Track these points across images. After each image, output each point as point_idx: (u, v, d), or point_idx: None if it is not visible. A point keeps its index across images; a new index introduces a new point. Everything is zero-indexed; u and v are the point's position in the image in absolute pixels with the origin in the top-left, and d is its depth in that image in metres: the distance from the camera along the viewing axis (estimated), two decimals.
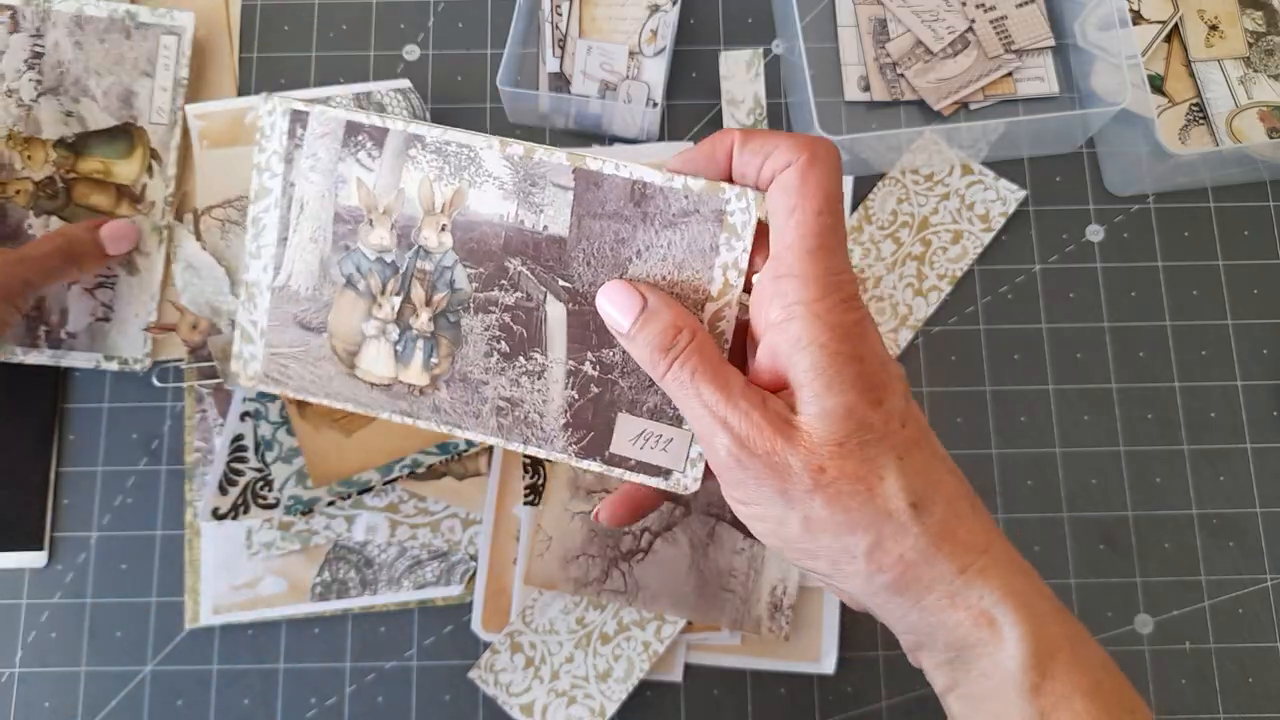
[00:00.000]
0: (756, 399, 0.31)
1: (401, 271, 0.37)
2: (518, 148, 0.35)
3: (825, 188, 0.31)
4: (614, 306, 0.34)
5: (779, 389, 0.32)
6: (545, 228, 0.36)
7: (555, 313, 0.36)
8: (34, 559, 0.56)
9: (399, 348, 0.37)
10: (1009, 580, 0.30)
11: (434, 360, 0.37)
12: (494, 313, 0.37)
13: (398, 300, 0.37)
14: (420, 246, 0.36)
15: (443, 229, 0.36)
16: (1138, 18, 0.66)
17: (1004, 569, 0.31)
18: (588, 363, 0.36)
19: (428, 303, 0.37)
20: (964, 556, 0.30)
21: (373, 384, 0.37)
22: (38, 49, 0.59)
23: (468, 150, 0.35)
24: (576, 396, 0.36)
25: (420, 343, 0.37)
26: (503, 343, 0.36)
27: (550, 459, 0.38)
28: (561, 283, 0.36)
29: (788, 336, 0.31)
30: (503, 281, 0.36)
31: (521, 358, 0.36)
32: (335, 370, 0.37)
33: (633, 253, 0.35)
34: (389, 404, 0.37)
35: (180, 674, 0.55)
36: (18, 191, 0.58)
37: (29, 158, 0.58)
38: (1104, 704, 0.30)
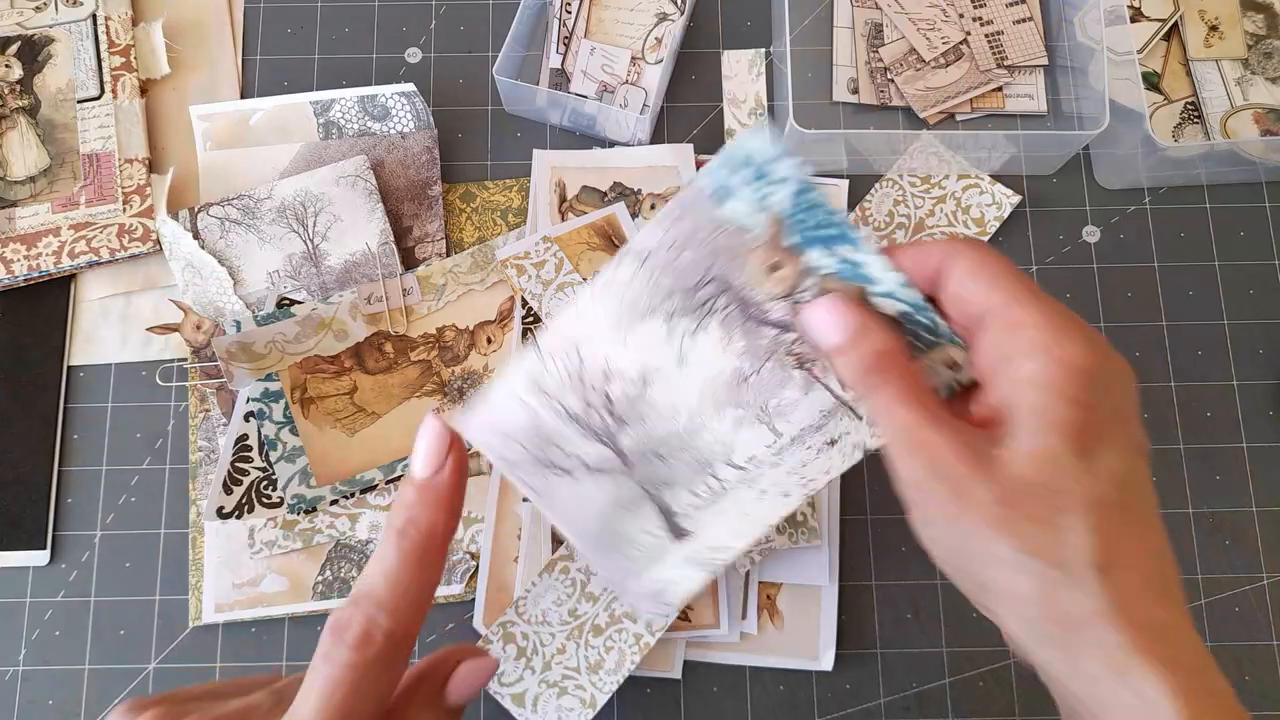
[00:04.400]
0: (955, 427, 0.31)
1: None
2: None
3: (1009, 264, 0.34)
4: (826, 321, 0.35)
5: (988, 426, 0.32)
6: None
7: None
8: (36, 558, 0.57)
9: None
10: (1180, 677, 0.28)
11: None
12: None
13: None
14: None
15: None
16: (1138, 14, 0.66)
17: (1178, 659, 0.29)
18: None
19: None
20: (1138, 635, 0.29)
21: None
22: None
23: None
24: None
25: None
26: None
27: None
28: None
29: (1014, 376, 0.31)
30: None
31: None
32: None
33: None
34: None
35: (184, 671, 0.56)
36: None
37: None
38: None
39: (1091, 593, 0.29)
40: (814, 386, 0.40)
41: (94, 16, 0.63)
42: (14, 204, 0.60)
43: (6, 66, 0.62)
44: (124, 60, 0.63)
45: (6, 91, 0.62)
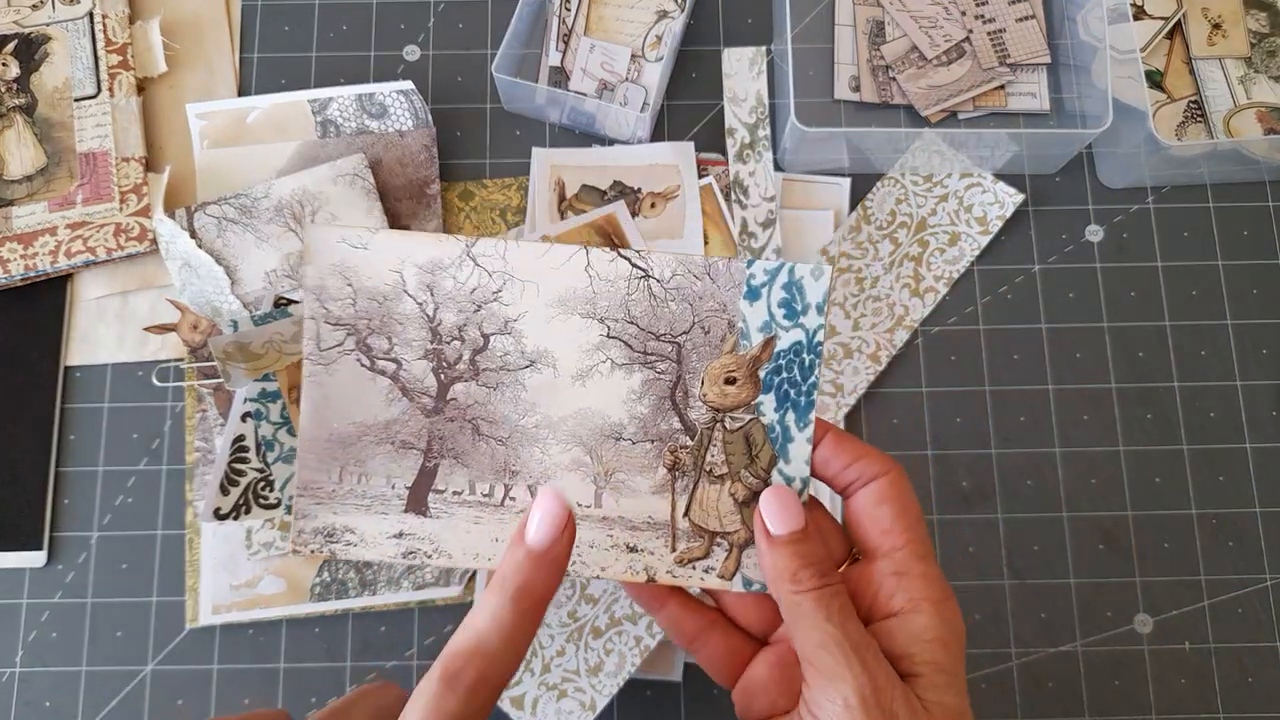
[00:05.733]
0: (883, 657, 0.33)
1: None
2: None
3: (917, 503, 0.35)
4: (780, 512, 0.35)
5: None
6: None
7: None
8: (33, 559, 0.56)
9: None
10: None
11: None
12: None
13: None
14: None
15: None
16: (1141, 12, 0.66)
17: None
18: None
19: None
20: None
21: None
22: None
23: None
24: None
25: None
26: None
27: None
28: None
29: (913, 628, 0.34)
30: None
31: None
32: None
33: None
34: None
35: (181, 673, 0.55)
36: None
37: None
38: None
39: None
40: (664, 494, 0.38)
41: (91, 15, 0.63)
42: (10, 203, 0.59)
43: (3, 65, 0.62)
44: (121, 59, 0.62)
45: (3, 90, 0.62)
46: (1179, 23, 0.66)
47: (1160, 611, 0.57)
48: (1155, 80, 0.65)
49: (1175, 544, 0.58)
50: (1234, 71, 0.65)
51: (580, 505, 0.38)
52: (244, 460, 0.55)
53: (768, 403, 0.37)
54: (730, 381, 0.37)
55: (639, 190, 0.61)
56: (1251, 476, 0.59)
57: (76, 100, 0.61)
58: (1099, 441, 0.59)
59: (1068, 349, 0.61)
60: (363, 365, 0.38)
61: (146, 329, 0.59)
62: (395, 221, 0.60)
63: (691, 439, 0.38)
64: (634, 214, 0.61)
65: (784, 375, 0.37)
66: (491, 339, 0.38)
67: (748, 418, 0.37)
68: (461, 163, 0.63)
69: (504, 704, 0.53)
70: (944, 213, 0.62)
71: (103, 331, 0.60)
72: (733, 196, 0.61)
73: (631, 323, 0.37)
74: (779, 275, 0.36)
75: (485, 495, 0.38)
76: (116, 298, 0.60)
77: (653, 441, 0.38)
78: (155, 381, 0.59)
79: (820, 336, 0.36)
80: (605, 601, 0.54)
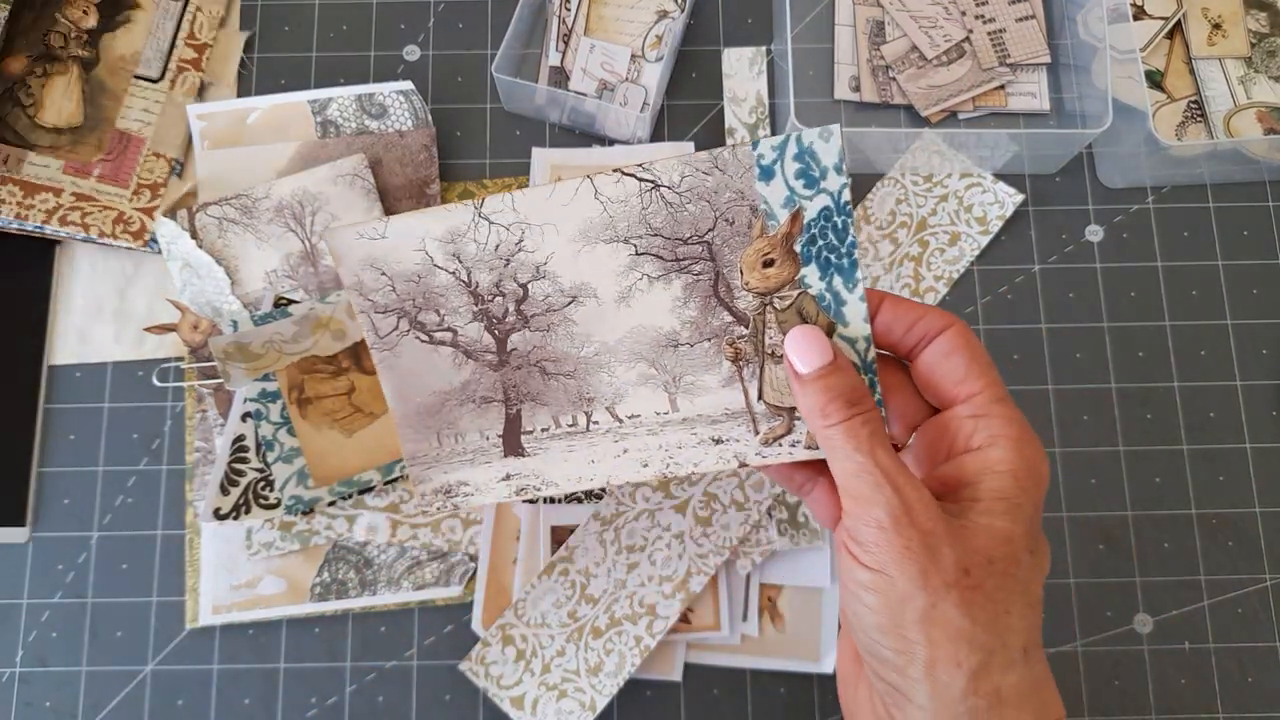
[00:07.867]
0: (921, 483, 0.33)
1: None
2: None
3: (985, 350, 0.36)
4: (809, 347, 0.35)
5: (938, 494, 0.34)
6: None
7: None
8: (15, 534, 0.56)
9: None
10: None
11: None
12: None
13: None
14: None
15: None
16: (1141, 12, 0.66)
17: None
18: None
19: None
20: (1044, 714, 0.32)
21: None
22: None
23: None
24: None
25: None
26: None
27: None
28: None
29: (987, 459, 0.34)
30: None
31: None
32: None
33: None
34: None
35: (181, 674, 0.55)
36: None
37: None
38: None
39: (1021, 672, 0.32)
40: (734, 385, 0.39)
41: (187, 2, 0.62)
42: (31, 148, 0.58)
43: (84, 12, 0.61)
44: (196, 56, 0.62)
45: (72, 36, 0.60)
46: (1179, 23, 0.66)
47: (1160, 611, 0.57)
48: (1155, 80, 0.65)
49: (1175, 544, 0.58)
50: (1234, 71, 0.65)
51: (658, 414, 0.40)
52: (244, 460, 0.55)
53: (811, 274, 0.37)
54: (768, 264, 0.38)
55: None
56: (1251, 476, 0.59)
57: (136, 77, 0.60)
58: (1099, 441, 0.59)
59: (1068, 349, 0.61)
60: (422, 340, 0.40)
61: (147, 329, 0.59)
62: None
63: (746, 327, 0.39)
64: None
65: (820, 243, 0.37)
66: (529, 286, 0.40)
67: (795, 293, 0.37)
68: (461, 163, 0.63)
69: (504, 704, 0.53)
70: (944, 213, 0.62)
71: (100, 331, 0.60)
72: None
73: (655, 234, 0.38)
74: (788, 147, 0.36)
75: (570, 425, 0.41)
76: (113, 295, 0.60)
77: (709, 339, 0.39)
78: (155, 381, 0.59)
79: (846, 196, 0.36)
80: (605, 601, 0.54)
